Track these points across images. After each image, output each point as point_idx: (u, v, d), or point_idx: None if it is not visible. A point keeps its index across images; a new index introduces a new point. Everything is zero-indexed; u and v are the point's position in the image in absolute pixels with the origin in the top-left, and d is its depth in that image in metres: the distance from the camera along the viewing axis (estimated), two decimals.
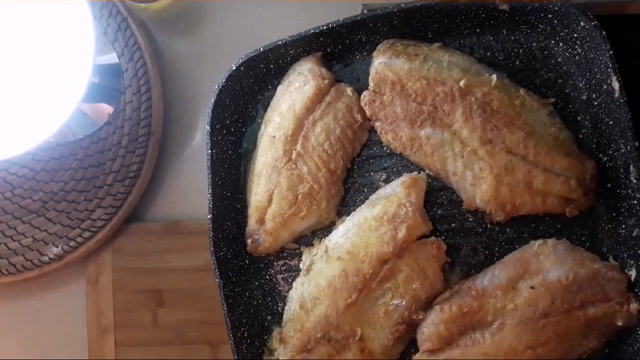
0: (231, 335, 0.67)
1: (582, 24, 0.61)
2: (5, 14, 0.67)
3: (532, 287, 0.58)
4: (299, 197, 0.67)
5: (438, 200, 0.67)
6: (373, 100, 0.65)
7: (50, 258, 0.82)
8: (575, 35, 0.63)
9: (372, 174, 0.69)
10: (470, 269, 0.65)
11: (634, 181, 0.59)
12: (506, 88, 0.63)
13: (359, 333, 0.64)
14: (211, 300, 0.82)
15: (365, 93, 0.66)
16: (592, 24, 0.60)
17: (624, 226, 0.61)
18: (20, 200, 0.84)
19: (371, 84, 0.65)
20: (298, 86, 0.68)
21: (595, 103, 0.63)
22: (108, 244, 0.83)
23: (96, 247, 0.82)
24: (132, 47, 0.81)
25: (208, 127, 0.70)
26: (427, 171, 0.66)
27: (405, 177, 0.64)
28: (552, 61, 0.65)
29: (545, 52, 0.65)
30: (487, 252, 0.65)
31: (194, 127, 0.84)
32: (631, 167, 0.59)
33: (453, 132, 0.61)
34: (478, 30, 0.67)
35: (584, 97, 0.64)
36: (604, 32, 0.60)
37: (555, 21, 0.63)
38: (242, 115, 0.74)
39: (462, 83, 0.61)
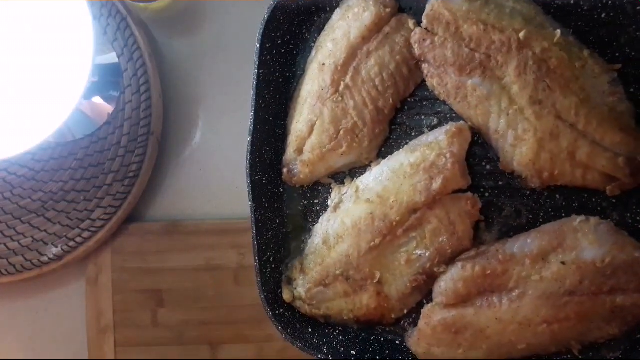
0: (257, 258, 0.67)
1: None
2: (5, 13, 0.67)
3: (563, 263, 0.56)
4: (341, 132, 0.64)
5: (488, 155, 0.63)
6: (424, 39, 0.60)
7: (49, 258, 0.82)
8: None
9: (422, 117, 0.65)
10: (510, 230, 0.62)
11: None
12: (569, 46, 0.57)
13: (377, 276, 0.63)
14: (211, 300, 0.82)
15: (416, 30, 0.62)
16: None
17: None
18: (19, 200, 0.84)
19: (424, 21, 0.60)
20: (357, 12, 0.63)
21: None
22: (108, 244, 0.83)
23: (96, 247, 0.82)
24: (132, 47, 0.81)
25: (258, 45, 0.66)
26: (470, 124, 0.62)
27: (450, 126, 0.61)
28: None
29: (638, 8, 0.57)
30: (530, 217, 0.62)
31: (194, 127, 0.84)
32: None
33: (502, 86, 0.57)
34: None
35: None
36: None
37: None
38: (295, 37, 0.69)
39: (521, 34, 0.57)
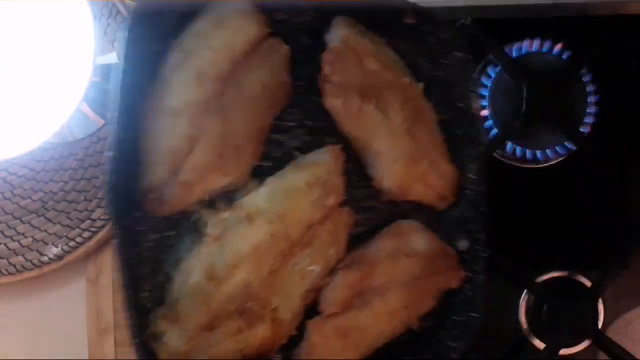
0: (130, 310, 0.58)
1: (459, 54, 0.68)
2: (5, 13, 0.67)
3: (408, 256, 0.67)
4: (228, 149, 0.59)
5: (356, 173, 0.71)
6: (336, 61, 0.64)
7: (50, 258, 0.82)
8: (445, 61, 0.70)
9: (293, 137, 0.67)
10: (359, 238, 0.70)
11: (471, 177, 0.70)
12: (423, 98, 0.70)
13: (274, 302, 0.61)
14: None
15: (330, 51, 0.64)
16: (468, 56, 0.68)
17: (454, 210, 0.72)
18: (20, 200, 0.84)
19: (340, 46, 0.64)
20: (237, 25, 0.60)
21: (442, 114, 0.71)
22: (108, 244, 0.83)
23: (96, 247, 0.82)
24: None
25: (126, 32, 0.60)
26: (353, 143, 0.68)
27: (331, 147, 0.66)
28: (417, 77, 0.71)
29: (414, 69, 0.71)
30: (374, 225, 0.71)
31: None
32: (472, 166, 0.70)
33: (388, 117, 0.66)
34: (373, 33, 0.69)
35: (432, 105, 0.71)
36: (473, 63, 0.70)
37: (436, 45, 0.69)
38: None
39: (405, 79, 0.68)
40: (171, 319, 0.59)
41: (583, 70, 0.81)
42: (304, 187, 0.62)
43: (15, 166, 0.84)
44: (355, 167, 0.70)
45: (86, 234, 0.82)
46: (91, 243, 0.81)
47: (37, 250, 0.82)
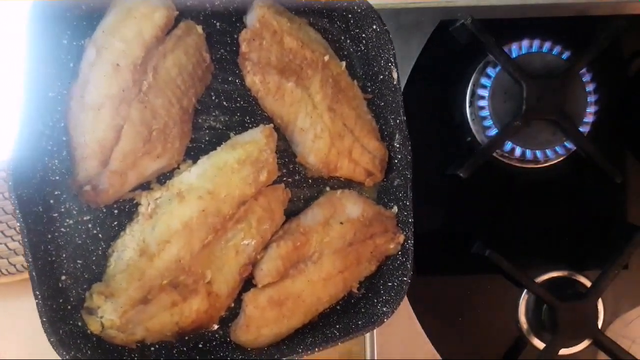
0: (37, 293, 0.58)
1: (374, 27, 0.70)
2: (5, 13, 0.67)
3: (341, 223, 0.70)
4: (154, 133, 0.61)
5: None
6: (253, 39, 0.66)
7: None
8: (363, 35, 0.72)
9: (216, 119, 0.69)
10: (296, 212, 0.72)
11: (397, 145, 0.72)
12: (347, 75, 0.72)
13: (209, 276, 0.63)
14: None
15: (247, 30, 0.67)
16: (384, 27, 0.70)
17: (386, 179, 0.75)
18: None
19: (257, 25, 0.66)
20: (145, 13, 0.62)
21: (369, 90, 0.75)
22: None
23: None
24: None
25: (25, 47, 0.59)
26: (277, 120, 0.70)
27: (263, 127, 0.67)
28: (339, 53, 0.74)
29: (337, 45, 0.74)
30: (303, 202, 0.74)
31: None
32: (397, 135, 0.72)
33: (309, 94, 0.68)
34: (292, 13, 0.72)
35: (359, 85, 0.75)
36: (389, 35, 0.70)
37: (352, 21, 0.72)
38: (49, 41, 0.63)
39: (326, 58, 0.69)
40: (106, 294, 0.61)
41: (583, 70, 0.81)
42: (236, 164, 0.64)
43: None
44: (285, 145, 0.72)
45: None
46: None
47: None
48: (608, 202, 0.85)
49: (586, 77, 0.81)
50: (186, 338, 0.66)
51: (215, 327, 0.66)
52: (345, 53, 0.75)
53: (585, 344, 0.79)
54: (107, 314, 0.61)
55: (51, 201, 0.63)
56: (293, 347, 0.67)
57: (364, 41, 0.73)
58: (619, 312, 0.82)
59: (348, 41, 0.74)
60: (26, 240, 0.58)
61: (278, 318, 0.67)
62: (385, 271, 0.74)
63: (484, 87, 0.81)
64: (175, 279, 0.61)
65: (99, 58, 0.61)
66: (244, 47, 0.67)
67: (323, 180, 0.73)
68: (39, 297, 0.59)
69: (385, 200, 0.75)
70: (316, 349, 0.65)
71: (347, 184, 0.74)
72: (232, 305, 0.67)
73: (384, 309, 0.70)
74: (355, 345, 0.83)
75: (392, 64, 0.70)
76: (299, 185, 0.73)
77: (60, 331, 0.61)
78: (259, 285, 0.67)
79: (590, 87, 0.81)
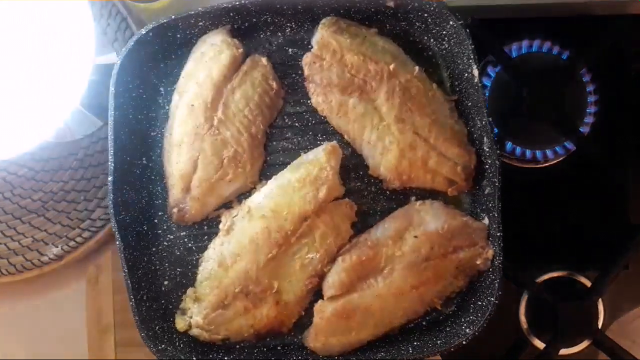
0: (132, 296, 0.69)
1: (451, 22, 0.71)
2: (5, 13, 0.67)
3: (416, 237, 0.69)
4: (225, 161, 0.70)
5: (357, 167, 0.75)
6: (314, 62, 0.71)
7: (50, 258, 0.82)
8: (444, 32, 0.73)
9: (290, 141, 0.75)
10: (372, 225, 0.73)
11: (487, 149, 0.71)
12: (423, 80, 0.72)
13: (275, 286, 0.69)
14: None
15: (308, 54, 0.72)
16: (460, 22, 0.70)
17: (477, 187, 0.73)
18: (20, 200, 0.84)
19: (315, 48, 0.71)
20: (213, 55, 0.71)
21: (457, 90, 0.74)
22: (108, 244, 0.83)
23: (96, 247, 0.82)
24: None
25: (112, 89, 0.71)
26: (345, 136, 0.73)
27: (326, 145, 0.71)
28: (425, 54, 0.75)
29: (420, 47, 0.75)
30: (380, 214, 0.74)
31: None
32: (485, 139, 0.71)
33: (375, 107, 0.70)
34: (367, 23, 0.75)
35: (448, 85, 0.75)
36: (467, 30, 0.70)
37: (429, 20, 0.73)
38: (144, 82, 0.75)
39: (391, 67, 0.70)
40: (194, 298, 0.71)
41: (583, 70, 0.81)
42: (296, 183, 0.69)
43: (15, 166, 0.84)
44: (359, 159, 0.74)
45: (86, 234, 0.82)
46: (91, 243, 0.82)
47: (37, 250, 0.83)
48: (608, 202, 0.85)
49: (586, 77, 0.81)
50: (267, 340, 0.73)
51: (288, 331, 0.72)
52: (430, 53, 0.75)
53: (585, 344, 0.79)
54: (194, 315, 0.71)
55: (155, 220, 0.75)
56: None
57: (446, 38, 0.73)
58: (619, 312, 0.82)
59: (432, 40, 0.75)
60: (122, 255, 0.70)
61: (346, 329, 0.69)
62: (477, 288, 0.71)
63: (484, 87, 0.81)
64: (246, 288, 0.69)
65: (180, 101, 0.72)
66: (306, 71, 0.72)
67: (402, 192, 0.73)
68: (132, 300, 0.70)
69: (478, 211, 0.73)
70: None
71: (435, 194, 0.73)
72: (303, 313, 0.72)
73: (467, 330, 0.69)
74: None
75: (472, 60, 0.70)
76: (375, 198, 0.74)
77: (157, 328, 0.72)
78: (325, 298, 0.70)
79: (590, 87, 0.81)
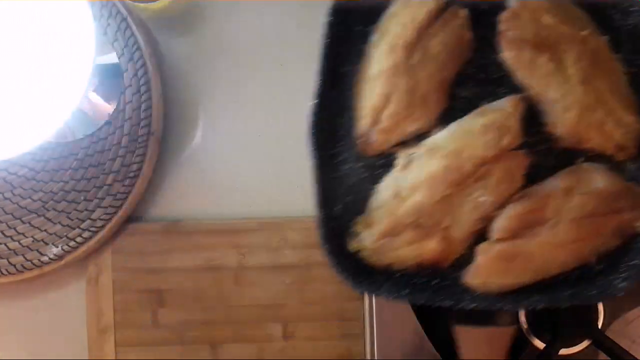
0: (322, 210, 0.72)
1: None
2: (5, 13, 0.67)
3: (583, 194, 0.70)
4: (416, 99, 0.73)
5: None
6: (511, 19, 0.73)
7: (50, 258, 0.82)
8: (632, 8, 0.73)
9: (471, 92, 0.75)
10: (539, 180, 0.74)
11: None
12: (608, 49, 0.74)
13: (446, 222, 0.71)
14: (211, 300, 0.82)
15: (508, 9, 0.74)
16: None
17: None
18: (20, 200, 0.84)
19: (516, 5, 0.73)
20: (419, 2, 0.74)
21: (637, 64, 0.74)
22: (108, 244, 0.83)
23: (96, 247, 0.82)
24: (132, 47, 0.81)
25: (332, 18, 0.73)
26: (529, 91, 0.74)
27: (513, 96, 0.73)
28: (609, 25, 0.75)
29: (605, 19, 0.75)
30: (548, 170, 0.74)
31: (194, 127, 0.84)
32: None
33: (563, 67, 0.72)
34: None
35: (626, 58, 0.74)
36: None
37: None
38: (344, 21, 0.76)
39: (583, 32, 0.72)
40: (365, 224, 0.73)
41: None
42: (480, 128, 0.71)
43: (15, 166, 0.84)
44: (534, 115, 0.74)
45: (86, 234, 0.82)
46: (91, 243, 0.82)
47: (38, 250, 0.83)
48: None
49: None
50: (427, 271, 0.74)
51: (448, 266, 0.73)
52: (615, 25, 0.76)
53: (585, 344, 0.79)
54: (364, 240, 0.73)
55: (337, 149, 0.76)
56: (518, 301, 0.72)
57: (632, 14, 0.74)
58: (619, 312, 0.82)
59: (618, 14, 0.75)
60: (318, 172, 0.73)
61: (505, 271, 0.71)
62: (631, 249, 0.73)
63: None
64: (418, 221, 0.71)
65: (380, 40, 0.74)
66: (502, 26, 0.73)
67: (571, 152, 0.74)
68: (322, 213, 0.72)
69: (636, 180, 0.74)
70: (540, 305, 0.71)
71: (598, 159, 0.74)
72: (467, 252, 0.73)
73: (622, 284, 0.71)
74: (355, 345, 0.84)
75: None
76: (546, 154, 0.75)
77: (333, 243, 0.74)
78: (493, 239, 0.72)
79: None
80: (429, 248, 0.72)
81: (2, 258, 0.83)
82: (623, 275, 0.72)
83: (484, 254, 0.72)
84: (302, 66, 0.86)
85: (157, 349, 0.82)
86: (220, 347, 0.82)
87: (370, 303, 0.81)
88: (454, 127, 0.74)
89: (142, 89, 0.81)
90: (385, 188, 0.74)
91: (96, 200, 0.82)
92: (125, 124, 0.81)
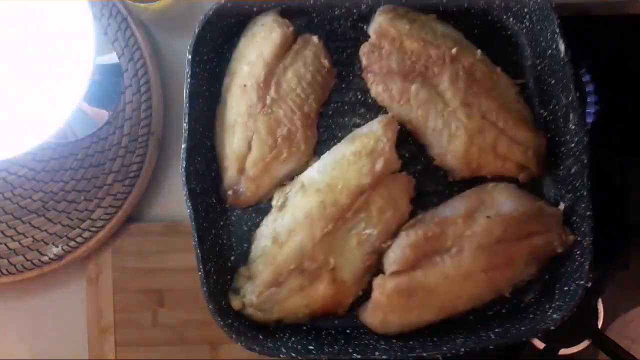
0: (200, 267, 0.68)
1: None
2: (5, 13, 0.67)
3: (488, 217, 0.66)
4: (279, 140, 0.69)
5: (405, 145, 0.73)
6: (372, 51, 0.69)
7: (50, 258, 0.82)
8: (525, 9, 0.71)
9: (344, 119, 0.73)
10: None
11: (572, 127, 0.68)
12: (486, 63, 0.70)
13: (332, 262, 0.67)
14: None
15: (365, 44, 0.70)
16: None
17: (561, 167, 0.71)
18: (20, 200, 0.84)
19: (373, 37, 0.70)
20: (264, 35, 0.70)
21: (539, 68, 0.73)
22: (108, 244, 0.83)
23: (96, 247, 0.82)
24: (132, 47, 0.81)
25: (189, 56, 0.69)
26: (407, 126, 0.70)
27: (382, 117, 0.69)
28: (503, 33, 0.74)
29: (499, 25, 0.74)
30: (441, 196, 0.72)
31: None
32: (571, 115, 0.68)
33: (438, 92, 0.67)
34: (440, 8, 0.73)
35: (528, 64, 0.74)
36: (552, 4, 0.69)
37: None
38: (218, 55, 0.74)
39: (453, 51, 0.68)
40: (247, 276, 0.69)
41: (583, 70, 0.81)
42: (351, 157, 0.67)
43: (16, 166, 0.84)
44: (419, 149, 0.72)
45: (86, 234, 0.82)
46: (91, 243, 0.82)
47: (38, 250, 0.83)
48: (608, 202, 0.85)
49: (586, 77, 0.81)
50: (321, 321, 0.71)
51: (343, 312, 0.70)
52: (509, 32, 0.73)
53: (585, 344, 0.79)
54: (248, 294, 0.69)
55: (213, 200, 0.74)
56: (439, 345, 0.67)
57: (527, 16, 0.71)
58: (619, 312, 0.82)
59: (511, 19, 0.73)
60: (193, 224, 0.68)
61: (407, 308, 0.67)
62: (562, 273, 0.69)
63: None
64: (301, 265, 0.67)
65: (232, 82, 0.71)
66: (364, 61, 0.70)
67: (468, 183, 0.71)
68: (202, 271, 0.69)
69: (563, 192, 0.71)
70: (463, 350, 0.65)
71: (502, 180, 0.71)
72: (360, 293, 0.69)
73: (554, 316, 0.67)
74: None
75: (557, 36, 0.68)
76: (435, 175, 0.72)
77: (223, 302, 0.70)
78: (387, 273, 0.67)
79: (590, 88, 0.81)
80: (319, 294, 0.67)
81: (2, 258, 0.83)
82: (557, 304, 0.68)
83: (380, 289, 0.67)
84: None
85: (157, 349, 0.82)
86: (220, 347, 0.82)
87: None
88: (326, 158, 0.70)
89: (142, 89, 0.81)
90: (263, 234, 0.70)
91: (96, 200, 0.82)
92: (126, 124, 0.81)
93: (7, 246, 0.83)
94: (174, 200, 0.84)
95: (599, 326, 0.79)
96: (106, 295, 0.83)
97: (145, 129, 0.81)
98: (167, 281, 0.82)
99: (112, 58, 0.81)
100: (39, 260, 0.82)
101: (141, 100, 0.81)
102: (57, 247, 0.82)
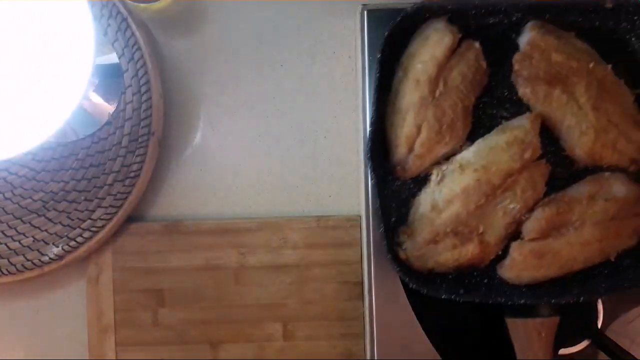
0: (381, 225, 0.79)
1: None
2: (5, 13, 0.67)
3: (606, 200, 0.79)
4: (444, 127, 0.80)
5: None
6: (524, 60, 0.81)
7: (50, 258, 0.82)
8: None
9: (493, 111, 0.83)
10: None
11: None
12: (613, 75, 0.82)
13: (481, 228, 0.79)
14: (211, 300, 0.83)
15: (519, 53, 0.82)
16: None
17: None
18: (20, 200, 0.84)
19: (527, 47, 0.81)
20: (437, 39, 0.81)
21: None
22: (108, 244, 0.83)
23: (96, 247, 0.82)
24: (132, 47, 0.81)
25: (382, 48, 0.79)
26: (546, 122, 0.82)
27: (529, 114, 0.81)
28: (625, 50, 0.83)
29: (621, 45, 0.83)
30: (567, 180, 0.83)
31: (194, 127, 0.85)
32: None
33: (574, 97, 0.80)
34: (576, 27, 0.83)
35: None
36: None
37: (638, 21, 0.82)
38: (390, 51, 0.82)
39: (591, 65, 0.80)
40: (408, 234, 0.82)
41: None
42: (504, 145, 0.80)
43: (16, 166, 0.84)
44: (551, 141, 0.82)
45: (87, 234, 0.82)
46: (92, 243, 0.82)
47: (38, 250, 0.83)
48: None
49: None
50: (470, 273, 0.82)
51: (485, 267, 0.81)
52: (630, 50, 0.83)
53: (585, 344, 0.79)
54: (409, 248, 0.81)
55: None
56: (561, 294, 0.78)
57: None
58: (619, 312, 0.83)
59: (633, 39, 0.83)
60: (375, 181, 0.81)
61: (537, 266, 0.79)
62: None
63: None
64: (456, 229, 0.79)
65: (404, 76, 0.82)
66: (516, 67, 0.81)
67: (588, 170, 0.82)
68: (382, 228, 0.79)
69: None
70: (582, 298, 0.77)
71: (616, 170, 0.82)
72: (500, 252, 0.81)
73: None
74: (355, 345, 0.84)
75: None
76: (565, 164, 0.82)
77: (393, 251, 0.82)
78: (525, 238, 0.79)
79: None
80: (469, 252, 0.80)
81: (2, 258, 0.83)
82: None
83: (518, 251, 0.79)
84: (302, 66, 0.86)
85: (157, 349, 0.83)
86: (220, 347, 0.82)
87: (370, 303, 0.81)
88: (480, 144, 0.81)
89: (143, 89, 0.81)
90: (423, 201, 0.82)
91: (97, 200, 0.82)
92: (126, 124, 0.81)
93: (7, 246, 0.83)
94: (174, 200, 0.85)
95: (599, 326, 0.79)
96: (106, 295, 0.83)
97: (145, 129, 0.81)
98: (168, 281, 0.83)
99: (112, 58, 0.82)
100: (40, 260, 0.82)
101: (141, 100, 0.81)
102: (58, 247, 0.82)
